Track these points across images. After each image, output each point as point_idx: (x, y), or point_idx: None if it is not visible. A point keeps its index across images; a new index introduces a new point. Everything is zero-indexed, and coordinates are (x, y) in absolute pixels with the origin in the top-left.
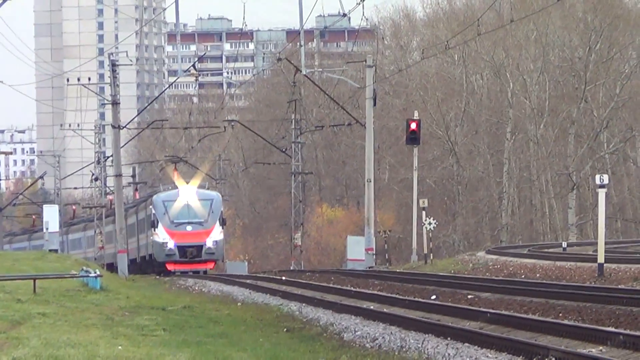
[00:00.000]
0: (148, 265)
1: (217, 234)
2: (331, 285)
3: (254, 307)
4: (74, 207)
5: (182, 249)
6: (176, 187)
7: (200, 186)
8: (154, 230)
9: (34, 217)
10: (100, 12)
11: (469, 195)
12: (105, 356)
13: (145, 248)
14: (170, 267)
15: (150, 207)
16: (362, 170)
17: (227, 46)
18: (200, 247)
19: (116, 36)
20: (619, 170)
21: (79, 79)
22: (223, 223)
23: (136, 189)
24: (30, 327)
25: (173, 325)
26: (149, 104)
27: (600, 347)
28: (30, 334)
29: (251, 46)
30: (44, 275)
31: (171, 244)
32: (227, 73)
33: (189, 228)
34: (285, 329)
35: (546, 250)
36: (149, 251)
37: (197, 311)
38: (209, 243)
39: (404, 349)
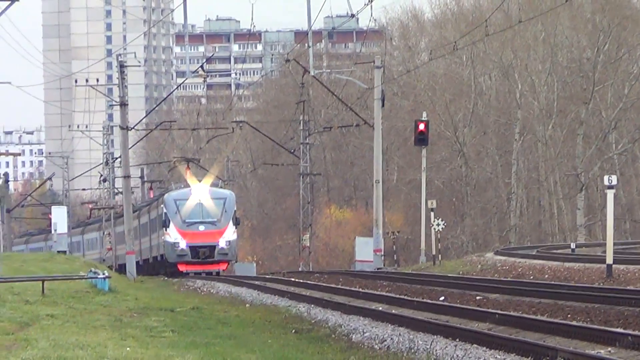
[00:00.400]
0: (160, 265)
1: (230, 234)
2: (339, 286)
3: (263, 308)
4: (90, 205)
5: (194, 249)
6: (188, 186)
7: (213, 184)
8: (166, 230)
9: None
10: (109, 13)
11: (477, 196)
12: (114, 357)
13: (157, 248)
14: (182, 268)
15: (162, 206)
16: (371, 171)
17: (235, 47)
18: (212, 248)
19: (124, 37)
20: (627, 171)
21: (87, 80)
22: (237, 223)
23: (150, 187)
24: (38, 329)
25: (181, 326)
26: (157, 105)
27: (609, 348)
28: (39, 336)
29: (259, 47)
30: (53, 277)
31: (183, 244)
32: (235, 74)
33: (201, 228)
34: (293, 330)
35: (555, 251)
36: (161, 251)
37: (205, 312)
38: (222, 243)
39: (412, 350)
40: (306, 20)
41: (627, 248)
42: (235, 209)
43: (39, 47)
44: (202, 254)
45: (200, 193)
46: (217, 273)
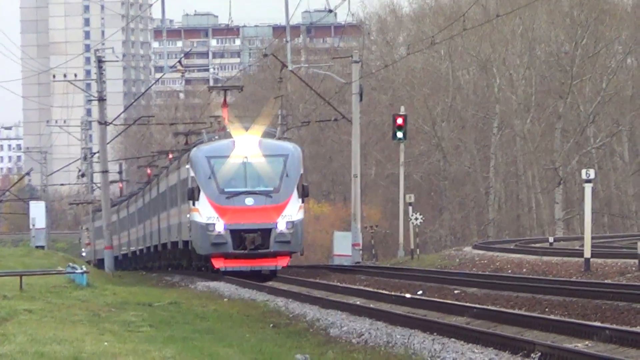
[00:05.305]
0: (182, 257)
1: (294, 210)
2: (318, 280)
3: (241, 302)
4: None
5: (237, 234)
6: (229, 136)
7: (267, 134)
8: (193, 204)
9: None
10: (87, 8)
11: (455, 191)
12: (91, 352)
13: (177, 231)
14: (217, 263)
15: (187, 167)
16: (349, 165)
17: (213, 42)
18: (267, 232)
19: (102, 32)
20: (605, 165)
21: (65, 76)
22: (304, 194)
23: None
24: (16, 324)
25: (159, 321)
26: (135, 100)
27: (587, 342)
28: (16, 331)
29: (237, 42)
30: (31, 272)
31: (220, 227)
32: (214, 69)
33: (249, 201)
34: (271, 325)
35: (533, 245)
36: (184, 237)
37: (183, 307)
38: (282, 225)
39: (390, 344)
40: (284, 15)
41: (605, 242)
42: (302, 172)
43: (17, 43)
44: (251, 241)
45: (247, 147)
46: (274, 272)
